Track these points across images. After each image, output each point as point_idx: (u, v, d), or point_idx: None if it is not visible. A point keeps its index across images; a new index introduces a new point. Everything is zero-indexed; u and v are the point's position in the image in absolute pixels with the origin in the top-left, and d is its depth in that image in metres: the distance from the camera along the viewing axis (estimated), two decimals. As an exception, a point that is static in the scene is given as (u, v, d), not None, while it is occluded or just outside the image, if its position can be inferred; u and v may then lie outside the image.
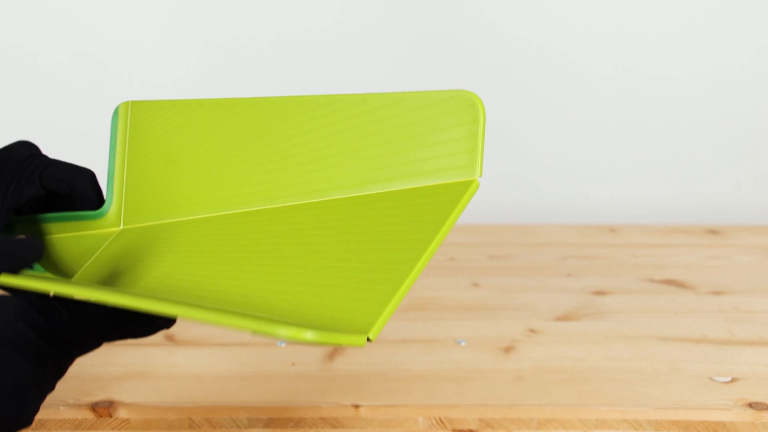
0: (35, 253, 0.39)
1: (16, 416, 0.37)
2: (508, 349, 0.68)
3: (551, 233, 0.99)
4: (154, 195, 0.49)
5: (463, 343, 0.69)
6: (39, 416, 0.55)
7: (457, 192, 0.39)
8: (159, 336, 0.67)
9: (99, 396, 0.60)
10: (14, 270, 0.38)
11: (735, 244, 0.95)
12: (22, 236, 0.39)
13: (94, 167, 0.49)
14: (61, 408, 0.58)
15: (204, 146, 0.48)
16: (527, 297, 0.79)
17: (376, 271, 0.37)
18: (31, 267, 0.39)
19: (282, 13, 1.01)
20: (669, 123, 1.05)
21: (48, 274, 0.46)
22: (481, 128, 0.40)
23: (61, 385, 0.41)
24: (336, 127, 0.44)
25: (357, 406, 0.58)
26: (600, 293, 0.80)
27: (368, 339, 0.34)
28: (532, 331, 0.72)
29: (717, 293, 0.80)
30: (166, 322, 0.43)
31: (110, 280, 0.45)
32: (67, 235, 0.49)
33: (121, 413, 0.58)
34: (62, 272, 0.48)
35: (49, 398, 0.41)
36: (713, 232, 1.00)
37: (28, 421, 0.38)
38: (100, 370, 0.63)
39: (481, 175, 0.40)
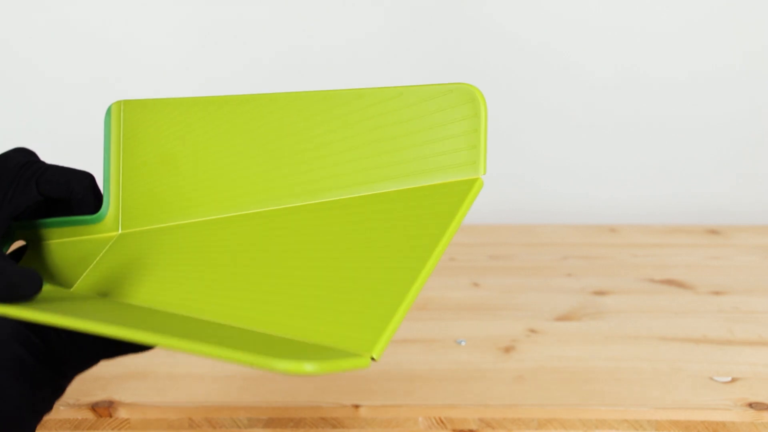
0: (35, 286, 0.37)
1: None
2: (508, 349, 0.68)
3: (551, 233, 0.99)
4: (152, 197, 0.48)
5: (463, 343, 0.69)
6: (39, 416, 0.55)
7: (461, 191, 0.37)
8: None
9: (99, 396, 0.60)
10: (11, 301, 0.37)
11: (735, 244, 0.95)
12: (26, 267, 0.38)
13: (95, 169, 0.49)
14: (61, 408, 0.58)
15: (199, 145, 0.47)
16: (527, 297, 0.79)
17: (377, 281, 0.36)
18: (28, 299, 0.38)
19: (277, 9, 1.01)
20: (669, 123, 1.05)
21: (50, 289, 0.45)
22: (483, 123, 0.38)
23: (61, 385, 0.41)
24: (332, 125, 0.43)
25: (357, 406, 0.58)
26: (600, 293, 0.80)
27: (373, 359, 0.32)
28: (532, 331, 0.72)
29: (717, 293, 0.80)
30: None
31: (109, 289, 0.44)
32: (65, 240, 0.48)
33: (121, 413, 0.58)
34: (62, 279, 0.47)
35: (49, 398, 0.41)
36: (713, 232, 1.00)
37: None
38: (100, 370, 0.63)
39: (485, 173, 0.38)
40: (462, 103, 0.39)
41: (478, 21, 1.00)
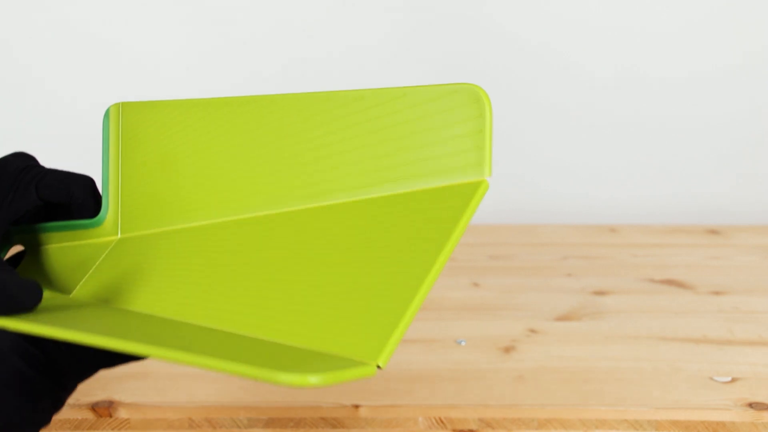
0: (35, 299, 0.37)
1: None
2: (508, 349, 0.68)
3: (551, 233, 0.99)
4: (151, 201, 0.47)
5: (463, 343, 0.69)
6: (39, 416, 0.55)
7: (466, 194, 0.36)
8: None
9: (99, 396, 0.60)
10: (10, 314, 0.36)
11: (735, 244, 0.95)
12: (26, 278, 0.37)
13: (94, 172, 0.48)
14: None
15: (199, 147, 0.46)
16: (527, 297, 0.79)
17: (381, 287, 0.35)
18: (28, 311, 0.37)
19: (277, 8, 1.01)
20: (669, 123, 1.05)
21: (49, 296, 0.44)
22: (488, 124, 0.37)
23: (61, 385, 0.41)
24: (334, 126, 0.42)
25: (357, 406, 0.58)
26: (600, 293, 0.80)
27: (378, 367, 0.31)
28: (532, 331, 0.72)
29: (717, 293, 0.80)
30: None
31: (109, 294, 0.44)
32: (64, 245, 0.48)
33: (121, 413, 0.58)
34: (60, 284, 0.46)
35: (49, 398, 0.41)
36: (713, 232, 1.00)
37: None
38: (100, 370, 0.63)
39: (490, 175, 0.37)
40: (466, 104, 0.38)
41: (477, 21, 1.00)
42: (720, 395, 0.60)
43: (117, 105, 0.49)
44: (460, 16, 1.00)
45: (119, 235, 0.47)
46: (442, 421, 0.58)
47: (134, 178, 0.48)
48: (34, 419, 0.37)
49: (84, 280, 0.46)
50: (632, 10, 1.01)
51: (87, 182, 0.46)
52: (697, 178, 1.07)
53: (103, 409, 0.58)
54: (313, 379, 0.28)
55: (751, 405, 0.59)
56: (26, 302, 0.36)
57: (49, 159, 0.49)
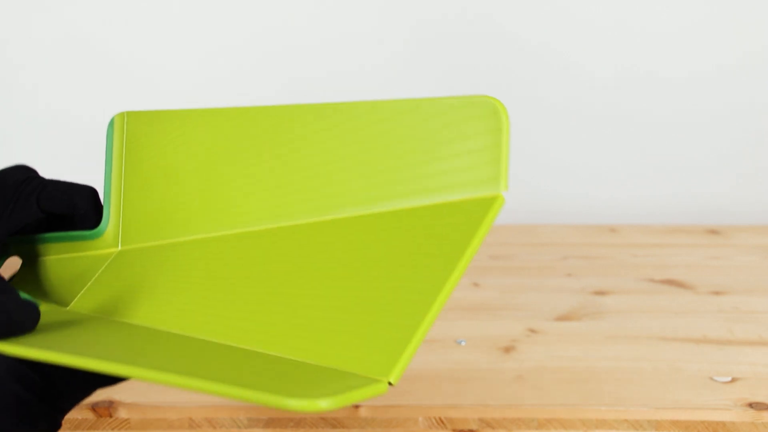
0: (34, 321, 0.36)
1: None
2: (508, 349, 0.68)
3: (551, 233, 0.99)
4: (154, 213, 0.46)
5: (463, 343, 0.69)
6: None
7: (480, 209, 0.35)
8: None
9: (99, 396, 0.60)
10: (10, 336, 0.35)
11: (735, 244, 0.95)
12: (25, 299, 0.36)
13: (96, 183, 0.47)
14: (61, 408, 0.58)
15: (205, 159, 0.45)
16: (527, 297, 0.79)
17: (393, 302, 0.34)
18: (28, 332, 0.36)
19: (283, 20, 1.01)
20: (669, 123, 1.05)
21: (46, 309, 0.43)
22: (505, 138, 0.36)
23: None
24: (345, 138, 0.40)
25: (357, 406, 0.58)
26: (600, 293, 0.80)
27: (390, 383, 0.30)
28: (532, 331, 0.72)
29: (717, 293, 0.80)
30: None
31: (108, 307, 0.43)
32: (63, 256, 0.46)
33: (121, 413, 0.58)
34: (57, 296, 0.45)
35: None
36: (713, 232, 1.00)
37: None
38: (100, 370, 0.63)
39: (506, 189, 0.36)
40: (483, 117, 0.37)
41: (477, 21, 1.00)
42: (720, 395, 0.60)
43: (122, 114, 0.48)
44: (460, 17, 1.00)
45: (119, 247, 0.46)
46: (442, 421, 0.58)
47: (137, 189, 0.47)
48: None
49: (82, 292, 0.44)
50: (632, 10, 1.01)
51: (90, 192, 0.46)
52: (697, 178, 1.07)
53: (103, 409, 0.58)
54: (323, 404, 0.28)
55: (751, 405, 0.59)
56: (26, 324, 0.36)
57: (49, 169, 0.48)
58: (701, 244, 0.96)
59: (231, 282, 0.41)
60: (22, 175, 0.45)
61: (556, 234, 0.99)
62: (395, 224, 0.38)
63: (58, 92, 1.04)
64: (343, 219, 0.40)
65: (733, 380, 0.63)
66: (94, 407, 0.58)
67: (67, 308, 0.44)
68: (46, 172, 0.46)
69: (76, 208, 0.45)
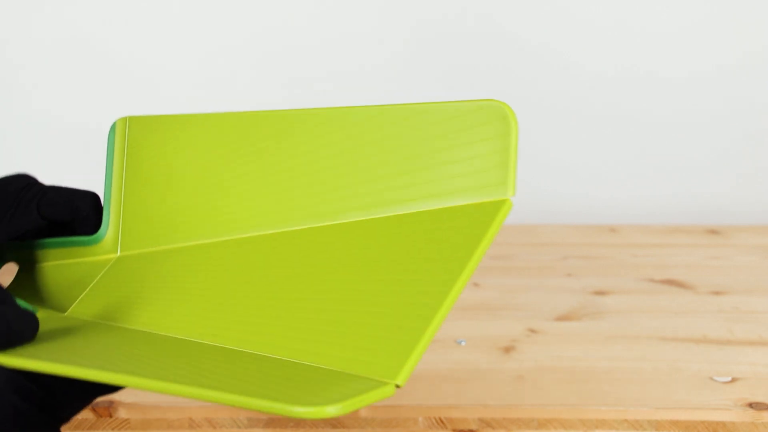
0: (33, 330, 0.35)
1: None
2: (508, 349, 0.68)
3: (551, 233, 0.99)
4: (154, 218, 0.45)
5: (463, 343, 0.69)
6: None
7: (488, 213, 0.35)
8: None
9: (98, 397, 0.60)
10: (9, 347, 0.34)
11: (735, 244, 0.95)
12: (24, 309, 0.36)
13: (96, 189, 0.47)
14: (61, 408, 0.58)
15: (208, 164, 0.44)
16: (527, 297, 0.79)
17: (400, 305, 0.33)
18: (27, 342, 0.35)
19: (283, 19, 1.01)
20: (669, 122, 1.05)
21: (44, 316, 0.42)
22: (513, 142, 0.36)
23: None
24: (351, 143, 0.40)
25: (357, 406, 0.58)
26: (600, 293, 0.80)
27: (397, 386, 0.30)
28: (532, 331, 0.72)
29: (717, 293, 0.80)
30: None
31: (107, 313, 0.42)
32: (62, 262, 0.46)
33: (121, 413, 0.58)
34: (55, 302, 0.44)
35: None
36: (713, 232, 1.00)
37: None
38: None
39: (514, 194, 0.36)
40: (491, 121, 0.36)
41: (477, 22, 1.00)
42: (720, 395, 0.60)
43: (124, 119, 0.47)
44: (459, 17, 1.00)
45: (118, 253, 0.45)
46: (442, 421, 0.58)
47: (138, 194, 0.46)
48: None
49: (81, 297, 0.44)
50: (633, 10, 1.01)
51: (92, 197, 0.45)
52: (697, 178, 1.07)
53: (103, 409, 0.58)
54: (330, 410, 0.28)
55: (751, 405, 0.59)
56: (25, 334, 0.35)
57: (47, 171, 0.48)
58: (701, 244, 0.96)
59: (234, 286, 0.40)
60: (23, 182, 0.44)
61: (556, 234, 0.99)
62: (402, 228, 0.38)
63: (57, 94, 1.04)
64: (349, 223, 0.39)
65: (733, 380, 0.63)
66: (94, 407, 0.58)
67: (65, 314, 0.43)
68: (45, 174, 0.46)
69: (78, 212, 0.44)
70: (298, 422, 0.58)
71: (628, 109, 1.04)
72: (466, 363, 0.65)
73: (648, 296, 0.80)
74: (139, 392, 0.60)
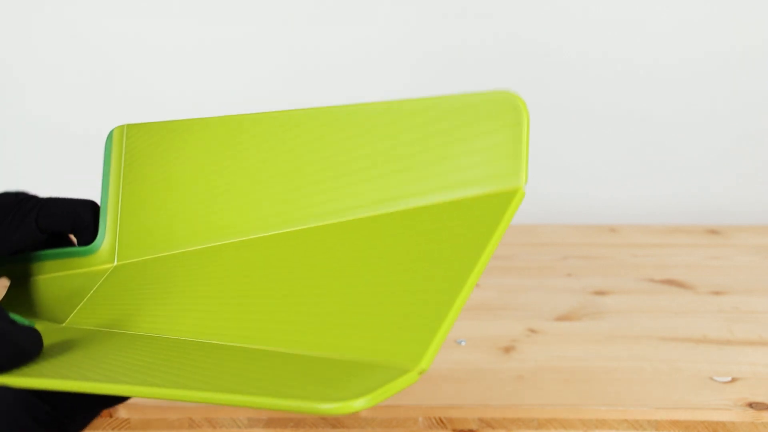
0: (38, 347, 0.34)
1: None
2: (508, 349, 0.68)
3: (551, 233, 0.99)
4: (152, 226, 0.44)
5: (463, 343, 0.69)
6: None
7: (501, 202, 0.35)
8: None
9: (99, 396, 0.60)
10: (16, 366, 0.34)
11: (735, 244, 0.95)
12: (26, 326, 0.35)
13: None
14: (61, 408, 0.58)
15: (210, 169, 0.43)
16: (527, 297, 0.79)
17: (418, 295, 0.33)
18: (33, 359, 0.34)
19: (282, 19, 1.01)
20: (669, 122, 1.05)
21: (42, 328, 0.40)
22: (525, 132, 0.36)
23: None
24: (360, 140, 0.39)
25: (357, 406, 0.58)
26: (600, 293, 0.80)
27: (420, 372, 0.29)
28: (532, 331, 0.72)
29: (717, 293, 0.80)
30: None
31: (108, 322, 0.41)
32: (56, 275, 0.45)
33: (121, 413, 0.58)
34: (52, 315, 0.43)
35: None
36: (713, 232, 1.00)
37: None
38: (100, 370, 0.63)
39: (526, 182, 0.36)
40: (502, 112, 0.36)
41: (475, 19, 1.00)
42: (720, 395, 0.60)
43: (121, 127, 0.47)
44: (456, 16, 1.00)
45: (116, 262, 0.45)
46: (442, 421, 0.58)
47: (135, 202, 0.45)
48: None
49: (79, 307, 0.43)
50: (632, 8, 1.01)
51: (91, 205, 0.45)
52: (697, 178, 1.07)
53: (103, 409, 0.58)
54: (358, 404, 0.27)
55: (751, 405, 0.59)
56: (32, 353, 0.34)
57: (48, 180, 0.47)
58: (701, 244, 0.96)
59: (241, 287, 0.39)
60: (18, 196, 0.43)
61: (556, 234, 0.99)
62: (416, 220, 0.37)
63: (56, 100, 1.04)
64: (360, 219, 0.39)
65: (733, 380, 0.63)
66: (94, 407, 0.58)
67: (63, 325, 0.42)
68: (44, 181, 0.46)
69: (79, 221, 0.44)
70: (298, 422, 0.58)
71: (628, 109, 1.04)
72: (466, 363, 0.65)
73: (648, 296, 0.80)
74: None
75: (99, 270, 0.45)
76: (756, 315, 0.75)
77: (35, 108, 1.04)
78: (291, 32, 1.01)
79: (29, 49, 1.02)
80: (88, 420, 0.38)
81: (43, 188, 0.45)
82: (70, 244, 0.46)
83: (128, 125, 0.47)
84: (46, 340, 0.36)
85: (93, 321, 0.41)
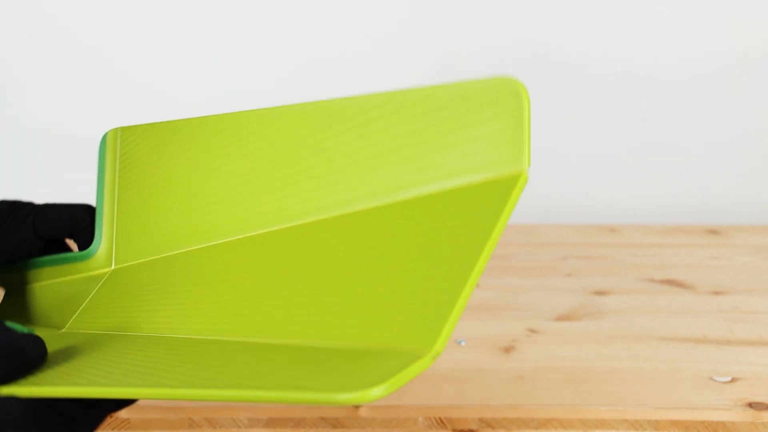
0: (44, 354, 0.33)
1: None
2: (508, 349, 0.68)
3: (551, 233, 0.99)
4: (150, 227, 0.44)
5: (463, 343, 0.69)
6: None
7: (505, 187, 0.35)
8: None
9: (99, 396, 0.59)
10: (22, 374, 0.32)
11: (735, 244, 0.95)
12: (28, 333, 0.34)
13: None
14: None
15: (206, 167, 0.43)
16: (527, 297, 0.79)
17: (427, 281, 0.32)
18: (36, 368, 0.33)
19: (286, 17, 1.01)
20: (669, 122, 1.05)
21: (43, 334, 0.38)
22: (526, 116, 0.36)
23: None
24: (359, 132, 0.39)
25: (357, 406, 0.58)
26: (600, 293, 0.80)
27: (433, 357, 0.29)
28: (532, 331, 0.72)
29: (717, 293, 0.80)
30: None
31: (108, 326, 0.40)
32: (53, 281, 0.44)
33: (121, 413, 0.58)
34: (50, 322, 0.43)
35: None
36: (713, 232, 1.00)
37: None
38: (100, 370, 0.63)
39: (529, 166, 0.36)
40: (503, 98, 0.36)
41: (471, 17, 1.00)
42: (720, 395, 0.60)
43: (114, 130, 0.46)
44: (457, 17, 1.00)
45: (113, 266, 0.44)
46: (442, 421, 0.58)
47: (132, 205, 0.44)
48: None
49: (78, 312, 0.42)
50: (632, 8, 1.01)
51: (87, 208, 0.44)
52: (697, 178, 1.07)
53: (103, 409, 0.58)
54: (376, 392, 0.26)
55: (750, 405, 0.59)
56: (37, 361, 0.33)
57: (47, 183, 0.47)
58: (701, 244, 0.96)
59: (245, 282, 0.38)
60: (13, 204, 0.43)
61: (556, 234, 0.99)
62: (420, 209, 0.37)
63: (55, 102, 1.04)
64: (362, 210, 0.39)
65: (733, 380, 0.63)
66: (94, 407, 0.58)
67: (63, 330, 0.41)
68: (43, 184, 0.45)
69: (76, 223, 0.43)
70: (298, 422, 0.58)
71: (628, 109, 1.04)
72: (466, 363, 0.65)
73: (648, 296, 0.80)
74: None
75: (96, 274, 0.44)
76: (756, 315, 0.75)
77: (35, 109, 1.04)
78: (291, 36, 1.01)
79: (29, 50, 1.02)
80: (96, 425, 0.37)
81: (43, 188, 0.45)
82: (68, 251, 0.45)
83: (122, 128, 0.46)
84: (48, 347, 0.36)
85: (94, 325, 0.41)
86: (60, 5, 1.00)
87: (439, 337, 0.29)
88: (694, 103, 1.04)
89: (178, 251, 0.43)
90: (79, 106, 1.04)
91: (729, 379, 0.63)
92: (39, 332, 0.38)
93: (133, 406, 0.58)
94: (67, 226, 0.43)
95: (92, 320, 0.41)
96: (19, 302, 0.45)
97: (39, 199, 0.44)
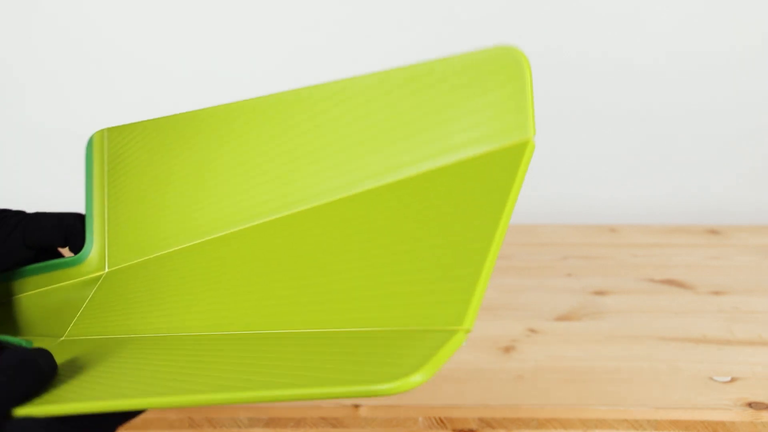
0: (53, 366, 0.32)
1: None
2: (508, 349, 0.68)
3: (551, 233, 0.99)
4: (144, 227, 0.42)
5: (463, 343, 0.69)
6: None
7: (513, 156, 0.34)
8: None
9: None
10: (38, 393, 0.31)
11: (735, 244, 0.95)
12: (36, 348, 0.32)
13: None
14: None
15: (199, 162, 0.42)
16: (527, 297, 0.79)
17: (447, 257, 0.31)
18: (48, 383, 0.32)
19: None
20: (669, 122, 1.05)
21: (42, 343, 0.38)
22: (528, 83, 0.36)
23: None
24: (357, 112, 0.38)
25: (357, 406, 0.58)
26: (600, 293, 0.80)
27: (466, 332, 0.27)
28: (532, 331, 0.72)
29: (717, 293, 0.80)
30: None
31: (112, 331, 0.38)
32: (43, 289, 0.43)
33: (122, 413, 0.58)
34: (45, 331, 0.41)
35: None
36: (713, 232, 1.00)
37: None
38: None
39: (534, 134, 0.35)
40: (504, 67, 0.36)
41: (471, 18, 1.00)
42: (720, 395, 0.60)
43: (101, 132, 0.45)
44: (456, 16, 1.00)
45: (106, 269, 0.43)
46: (442, 421, 0.58)
47: (123, 206, 0.43)
48: None
49: (76, 319, 0.40)
50: (631, 8, 1.01)
51: (77, 215, 0.43)
52: (697, 178, 1.07)
53: (104, 409, 0.58)
54: (416, 379, 0.25)
55: (750, 405, 0.59)
56: (51, 375, 0.32)
57: (45, 184, 0.46)
58: (701, 244, 0.96)
59: (256, 272, 0.37)
60: (3, 213, 0.41)
61: (556, 234, 0.99)
62: (429, 184, 0.36)
63: (51, 103, 1.04)
64: (370, 190, 0.37)
65: (733, 380, 0.63)
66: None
67: (62, 339, 0.40)
68: (41, 185, 0.45)
69: (70, 228, 0.42)
70: (298, 422, 0.58)
71: (627, 109, 1.04)
72: (466, 363, 0.65)
73: (648, 296, 0.80)
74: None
75: (90, 279, 0.43)
76: (756, 315, 0.75)
77: (35, 109, 1.04)
78: (287, 34, 1.01)
79: (29, 50, 1.02)
80: None
81: (43, 189, 0.45)
82: (68, 245, 0.44)
83: (108, 129, 0.45)
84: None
85: (94, 330, 0.39)
86: (60, 5, 1.00)
87: (467, 311, 0.28)
88: (694, 103, 1.04)
89: (176, 248, 0.42)
90: (79, 106, 1.04)
91: (729, 379, 0.63)
92: (38, 343, 0.38)
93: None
94: (57, 233, 0.42)
95: (91, 326, 0.40)
96: (11, 313, 0.43)
97: (39, 199, 0.43)
